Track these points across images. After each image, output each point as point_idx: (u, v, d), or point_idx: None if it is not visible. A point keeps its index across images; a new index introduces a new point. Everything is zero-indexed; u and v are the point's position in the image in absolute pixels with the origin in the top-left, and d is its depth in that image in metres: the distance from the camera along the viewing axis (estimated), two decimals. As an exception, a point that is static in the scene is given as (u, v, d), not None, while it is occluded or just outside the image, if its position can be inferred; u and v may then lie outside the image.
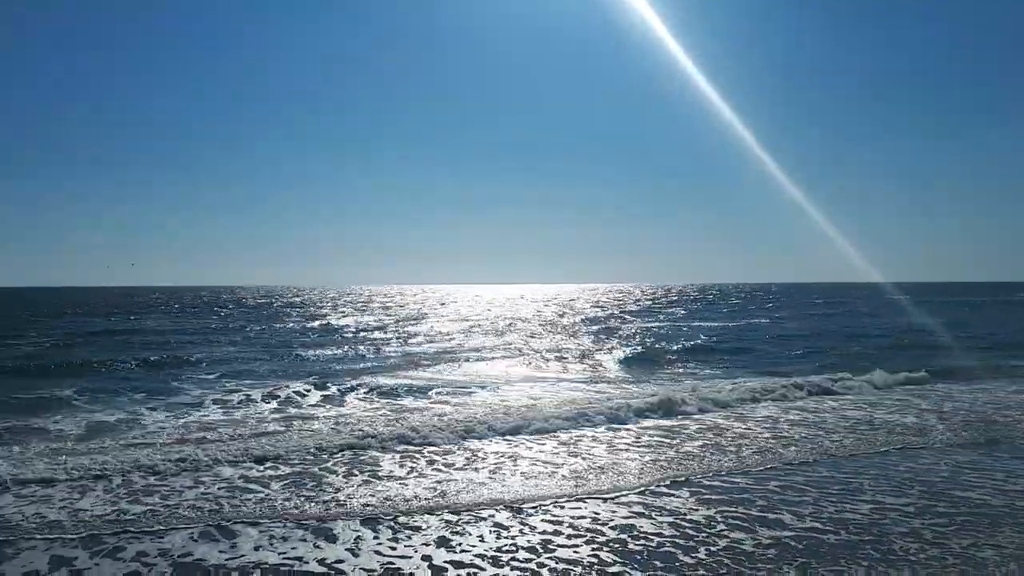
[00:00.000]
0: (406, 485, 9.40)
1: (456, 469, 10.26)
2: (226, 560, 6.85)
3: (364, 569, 6.63)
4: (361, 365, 23.57)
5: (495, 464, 10.50)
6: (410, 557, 6.93)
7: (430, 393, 17.39)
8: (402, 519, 8.03)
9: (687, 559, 6.82)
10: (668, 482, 9.49)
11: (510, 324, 45.88)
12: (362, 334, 37.67)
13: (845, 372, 19.79)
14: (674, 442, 11.95)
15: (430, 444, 11.71)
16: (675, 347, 29.06)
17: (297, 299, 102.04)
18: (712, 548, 7.08)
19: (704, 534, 7.48)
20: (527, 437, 12.32)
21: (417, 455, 11.05)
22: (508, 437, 12.31)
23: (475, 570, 6.62)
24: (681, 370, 22.82)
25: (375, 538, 7.42)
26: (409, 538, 7.43)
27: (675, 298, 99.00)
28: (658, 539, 7.34)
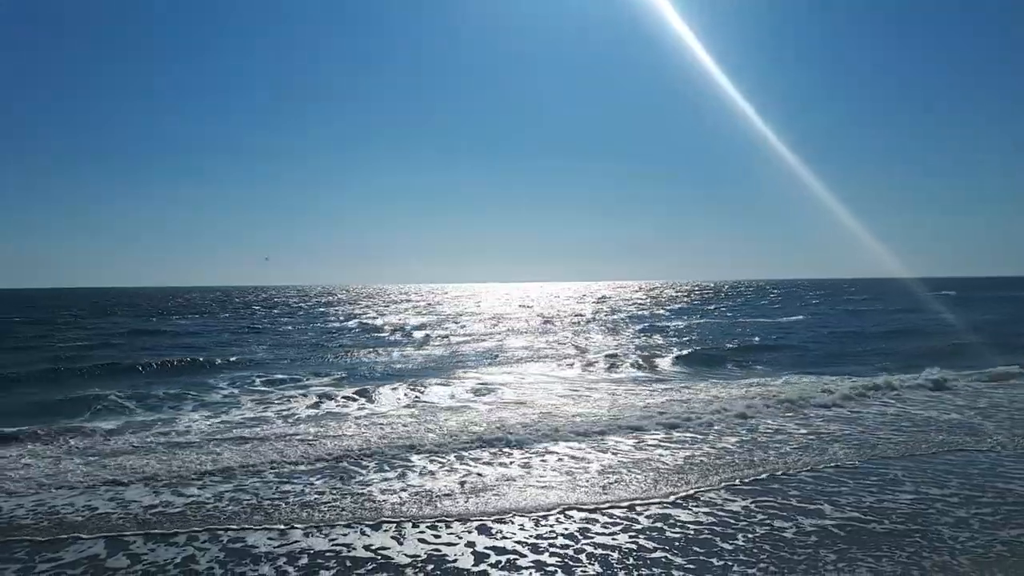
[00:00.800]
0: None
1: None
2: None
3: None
4: (433, 365, 23.20)
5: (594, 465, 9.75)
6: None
7: (508, 394, 16.79)
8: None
9: None
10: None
11: (556, 321, 45.09)
12: (417, 333, 37.34)
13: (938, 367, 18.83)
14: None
15: (520, 446, 11.28)
16: (730, 345, 28.14)
17: (333, 298, 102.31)
18: None
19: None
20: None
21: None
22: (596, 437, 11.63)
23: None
24: (760, 368, 21.85)
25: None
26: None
27: (710, 295, 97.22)
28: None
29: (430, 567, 6.52)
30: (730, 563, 6.52)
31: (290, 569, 6.51)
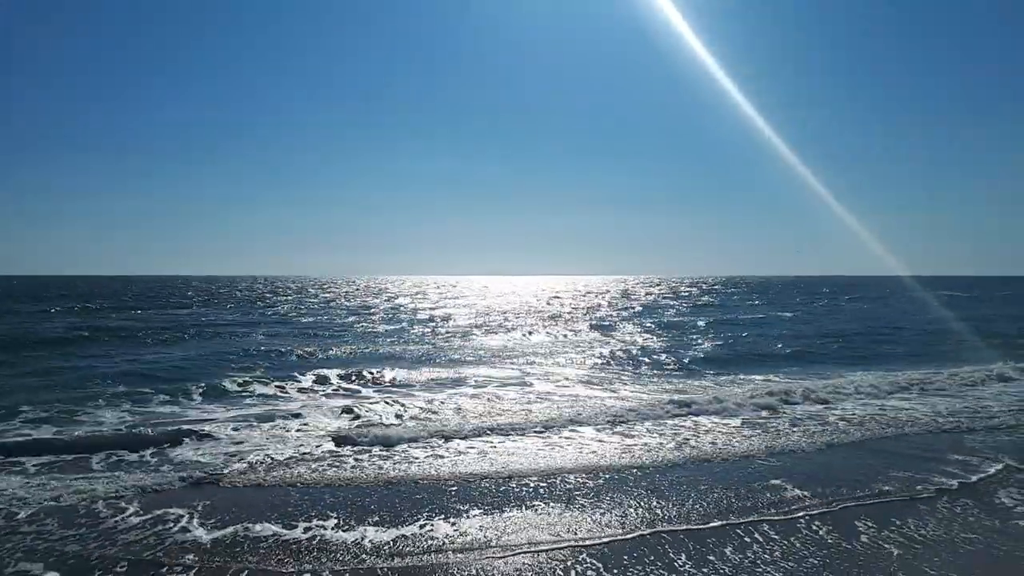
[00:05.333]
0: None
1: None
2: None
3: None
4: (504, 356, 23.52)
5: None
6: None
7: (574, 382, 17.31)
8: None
9: None
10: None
11: (573, 315, 45.69)
12: (454, 325, 37.60)
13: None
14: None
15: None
16: (778, 346, 28.77)
17: (340, 290, 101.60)
18: None
19: None
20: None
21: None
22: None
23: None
24: (827, 365, 22.29)
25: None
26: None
27: (704, 289, 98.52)
28: None
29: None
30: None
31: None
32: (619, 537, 7.20)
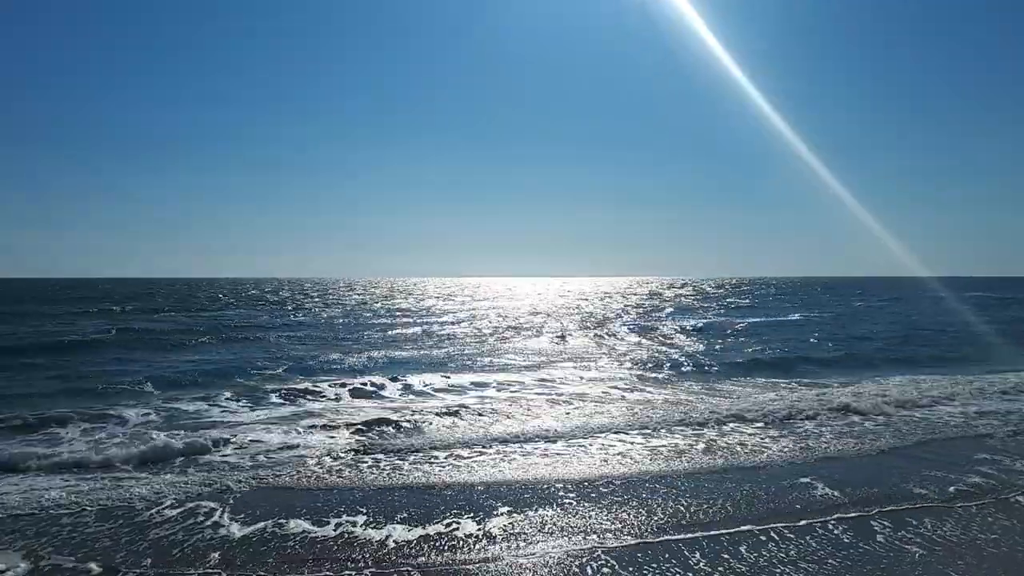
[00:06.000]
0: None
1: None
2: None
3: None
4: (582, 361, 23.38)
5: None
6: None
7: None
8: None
9: None
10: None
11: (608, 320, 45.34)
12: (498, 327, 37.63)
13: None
14: None
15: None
16: (827, 351, 28.10)
17: (358, 292, 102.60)
18: None
19: None
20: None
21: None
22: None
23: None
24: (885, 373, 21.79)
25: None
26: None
27: (730, 290, 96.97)
28: None
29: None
30: None
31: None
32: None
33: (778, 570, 6.23)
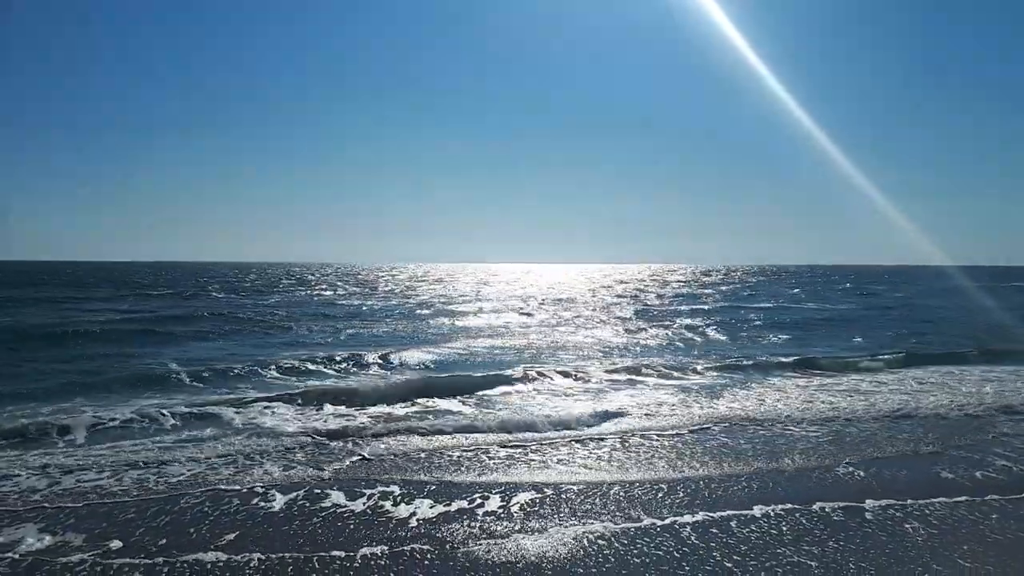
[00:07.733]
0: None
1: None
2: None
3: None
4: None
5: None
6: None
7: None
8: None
9: None
10: None
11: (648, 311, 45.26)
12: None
13: None
14: None
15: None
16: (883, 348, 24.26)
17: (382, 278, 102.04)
18: None
19: None
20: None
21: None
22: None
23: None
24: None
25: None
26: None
27: (739, 279, 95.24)
28: None
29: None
30: None
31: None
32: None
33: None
